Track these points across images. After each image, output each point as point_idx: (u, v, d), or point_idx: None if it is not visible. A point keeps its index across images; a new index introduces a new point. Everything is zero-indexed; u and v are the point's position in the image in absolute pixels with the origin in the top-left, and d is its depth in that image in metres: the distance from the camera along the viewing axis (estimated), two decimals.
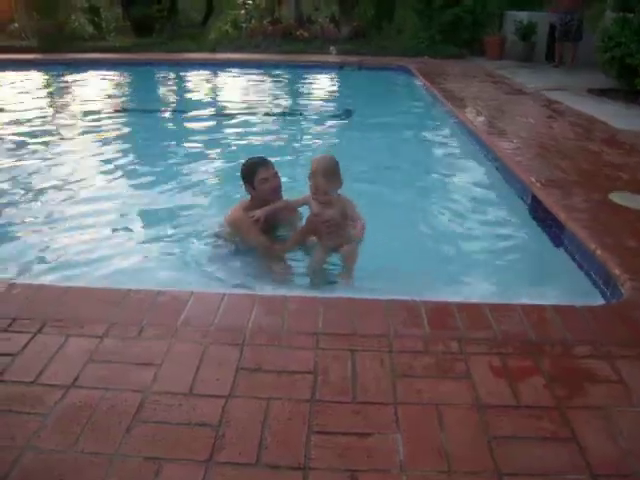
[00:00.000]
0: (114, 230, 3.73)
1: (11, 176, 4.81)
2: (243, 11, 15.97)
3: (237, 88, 10.44)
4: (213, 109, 8.55)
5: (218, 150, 5.85)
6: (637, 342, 2.14)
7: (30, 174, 4.90)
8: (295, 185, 3.62)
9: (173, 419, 1.69)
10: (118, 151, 5.78)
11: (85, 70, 11.41)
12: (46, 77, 11.23)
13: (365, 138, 6.27)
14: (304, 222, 3.06)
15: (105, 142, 6.08)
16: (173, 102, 9.45)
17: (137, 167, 5.31)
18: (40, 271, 3.12)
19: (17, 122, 7.01)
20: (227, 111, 8.21)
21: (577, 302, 2.43)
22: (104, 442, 1.60)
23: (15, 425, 1.66)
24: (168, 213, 3.98)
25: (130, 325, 2.16)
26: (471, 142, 5.71)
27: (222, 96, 9.98)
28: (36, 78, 11.09)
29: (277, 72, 11.39)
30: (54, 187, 4.57)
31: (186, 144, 6.17)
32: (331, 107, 8.73)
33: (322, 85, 11.00)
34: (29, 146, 5.84)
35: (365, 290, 2.71)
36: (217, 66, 11.93)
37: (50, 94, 9.75)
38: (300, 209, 3.23)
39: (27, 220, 3.88)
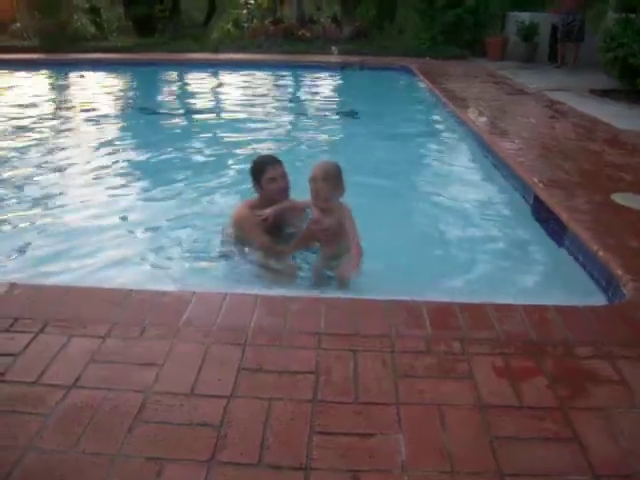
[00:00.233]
0: (116, 230, 3.73)
1: (11, 176, 4.82)
2: (245, 11, 16.01)
3: (238, 88, 10.44)
4: (214, 109, 8.57)
5: (221, 150, 5.85)
6: (639, 343, 2.14)
7: (31, 174, 4.90)
8: (295, 185, 3.61)
9: (175, 419, 1.69)
10: (121, 151, 5.78)
11: (87, 70, 11.43)
12: (48, 77, 11.25)
13: (367, 138, 6.26)
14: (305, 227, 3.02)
15: (107, 142, 6.08)
16: (175, 102, 9.45)
17: (139, 167, 5.32)
18: (42, 271, 3.12)
19: (17, 122, 7.01)
20: (228, 111, 8.21)
21: (579, 303, 2.42)
22: (106, 442, 1.60)
23: (17, 425, 1.66)
24: (170, 213, 3.98)
25: (132, 325, 2.16)
26: (473, 142, 5.71)
27: (223, 96, 9.99)
28: (38, 78, 11.09)
29: (279, 72, 11.40)
30: (55, 187, 4.57)
31: (189, 144, 6.17)
32: (333, 107, 8.72)
33: (324, 85, 11.00)
34: (30, 146, 5.84)
35: (367, 290, 2.70)
36: (219, 66, 12.02)
37: (51, 94, 9.76)
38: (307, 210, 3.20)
39: (29, 220, 3.88)
